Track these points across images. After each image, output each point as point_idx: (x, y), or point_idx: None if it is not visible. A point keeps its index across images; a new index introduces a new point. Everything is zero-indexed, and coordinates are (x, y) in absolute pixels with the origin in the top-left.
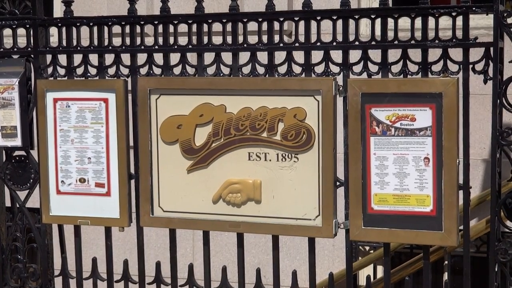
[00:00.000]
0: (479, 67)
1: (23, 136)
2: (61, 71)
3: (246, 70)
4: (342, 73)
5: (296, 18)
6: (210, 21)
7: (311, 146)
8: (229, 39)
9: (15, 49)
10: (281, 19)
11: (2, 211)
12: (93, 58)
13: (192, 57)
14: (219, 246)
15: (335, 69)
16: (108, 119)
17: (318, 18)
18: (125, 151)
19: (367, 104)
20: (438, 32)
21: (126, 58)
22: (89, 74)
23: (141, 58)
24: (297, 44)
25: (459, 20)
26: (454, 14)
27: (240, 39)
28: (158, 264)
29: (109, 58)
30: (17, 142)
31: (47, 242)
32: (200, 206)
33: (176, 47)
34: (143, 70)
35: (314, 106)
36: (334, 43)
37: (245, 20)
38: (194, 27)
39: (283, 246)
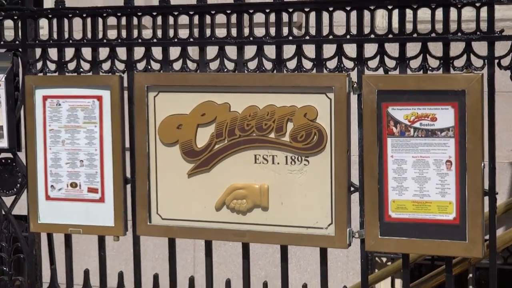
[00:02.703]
0: (506, 62)
1: (9, 137)
2: (52, 66)
3: (252, 65)
4: (356, 68)
5: (307, 9)
6: (213, 12)
7: (322, 148)
8: (233, 31)
9: (2, 43)
10: (291, 10)
11: None
12: (86, 52)
13: (193, 51)
14: (222, 257)
15: (348, 64)
16: (102, 119)
17: (331, 9)
18: (121, 153)
19: (384, 102)
20: (460, 24)
21: (122, 52)
22: (81, 70)
23: (138, 52)
24: (307, 37)
25: (484, 11)
26: (478, 4)
27: (246, 31)
28: (156, 277)
29: (103, 52)
30: (3, 143)
31: (35, 252)
32: (201, 214)
33: (176, 40)
34: (140, 65)
35: (326, 104)
36: (348, 36)
37: (251, 11)
38: (196, 19)
39: (292, 257)
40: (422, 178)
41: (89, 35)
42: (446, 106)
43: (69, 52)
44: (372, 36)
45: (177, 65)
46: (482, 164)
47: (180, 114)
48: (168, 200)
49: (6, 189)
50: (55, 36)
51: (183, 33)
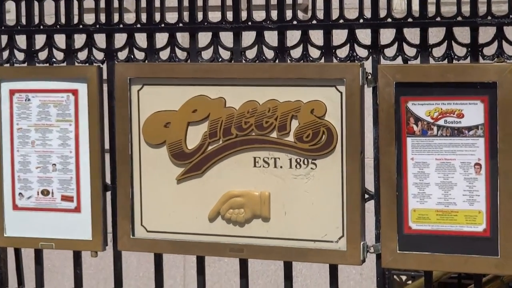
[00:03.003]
0: None
1: None
2: (20, 56)
3: (251, 54)
4: (371, 57)
5: None
6: None
7: (332, 149)
8: (229, 15)
9: None
10: None
11: None
12: (60, 40)
13: (183, 38)
14: (217, 275)
15: (362, 52)
16: (78, 116)
17: None
18: (99, 155)
19: (403, 96)
20: (491, 6)
21: (100, 39)
22: (54, 60)
23: (120, 39)
24: (314, 22)
25: None
26: None
27: (244, 15)
28: None
29: (79, 40)
30: None
31: (0, 270)
32: (193, 225)
33: (163, 25)
34: (122, 55)
35: (336, 99)
36: (361, 20)
37: None
38: (186, 1)
39: (297, 276)
40: (447, 184)
41: (62, 20)
42: (474, 101)
43: (40, 40)
44: (389, 20)
45: (164, 54)
46: None
47: (168, 110)
48: (154, 209)
49: None
50: (23, 21)
51: (171, 17)
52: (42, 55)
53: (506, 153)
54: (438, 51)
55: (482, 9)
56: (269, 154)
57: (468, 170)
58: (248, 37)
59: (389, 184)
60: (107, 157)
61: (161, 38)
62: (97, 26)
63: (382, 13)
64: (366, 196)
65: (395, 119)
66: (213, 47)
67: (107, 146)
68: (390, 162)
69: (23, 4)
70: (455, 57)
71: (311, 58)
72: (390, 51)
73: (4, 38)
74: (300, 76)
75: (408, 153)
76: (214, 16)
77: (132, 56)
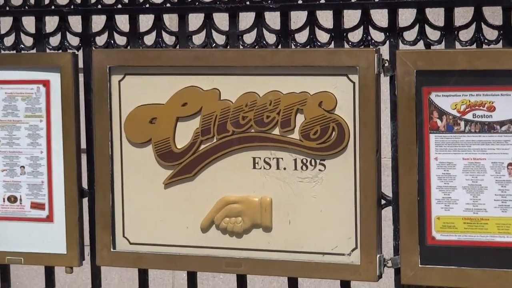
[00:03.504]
0: None
1: None
2: None
3: (250, 38)
4: (388, 42)
5: None
6: None
7: (343, 148)
8: None
9: None
10: None
11: None
12: (29, 23)
13: (171, 21)
14: None
15: (378, 36)
16: (50, 111)
17: None
18: (75, 156)
19: (425, 86)
20: None
21: (76, 22)
22: (22, 46)
23: (98, 22)
24: (322, 1)
25: None
26: None
27: None
28: None
29: (51, 23)
30: None
31: None
32: (183, 236)
33: (148, 5)
34: (101, 40)
35: (348, 89)
36: None
37: None
38: None
39: None
40: (476, 187)
41: (32, 0)
42: (508, 92)
43: (6, 23)
44: None
45: (149, 39)
46: None
47: (153, 104)
48: (138, 218)
49: None
50: None
51: None
52: (8, 41)
53: None
54: (466, 35)
55: None
56: (270, 154)
57: (501, 172)
58: (246, 19)
59: (409, 187)
60: (84, 158)
61: (146, 21)
62: (72, 7)
63: None
64: (383, 201)
65: (416, 112)
66: (206, 30)
67: (83, 145)
68: (410, 162)
69: None
70: (486, 41)
71: (318, 43)
72: (410, 35)
73: None
74: (306, 64)
75: (431, 152)
76: None
77: (112, 42)
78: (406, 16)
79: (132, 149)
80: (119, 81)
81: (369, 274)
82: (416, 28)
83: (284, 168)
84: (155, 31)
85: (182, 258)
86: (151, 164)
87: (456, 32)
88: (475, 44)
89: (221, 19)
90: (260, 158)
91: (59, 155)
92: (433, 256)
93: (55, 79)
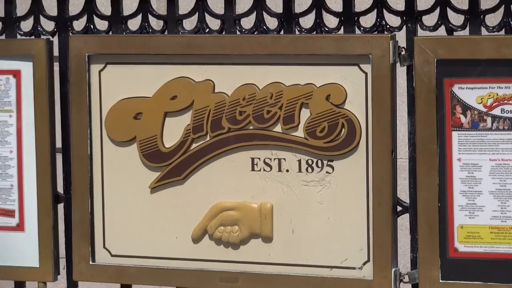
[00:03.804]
0: None
1: None
2: None
3: (248, 23)
4: (405, 27)
5: None
6: None
7: (354, 147)
8: None
9: None
10: None
11: None
12: None
13: (158, 3)
14: None
15: (393, 21)
16: (21, 105)
17: None
18: (49, 157)
19: (447, 77)
20: None
21: (50, 4)
22: None
23: (76, 4)
24: None
25: None
26: None
27: None
28: None
29: (23, 5)
30: None
31: None
32: (172, 247)
33: None
34: (79, 24)
35: (359, 81)
36: None
37: None
38: None
39: None
40: (504, 192)
41: None
42: None
43: None
44: None
45: (134, 24)
46: None
47: (138, 97)
48: (120, 227)
49: None
50: None
51: None
52: None
53: None
54: (493, 19)
55: None
56: (271, 154)
57: None
58: (244, 1)
59: (428, 192)
60: (59, 158)
61: (130, 3)
62: None
63: None
64: (399, 208)
65: (437, 107)
66: (198, 14)
67: (58, 144)
68: (430, 164)
69: None
70: None
71: (326, 29)
72: (430, 19)
73: None
74: (312, 52)
75: (454, 152)
76: None
77: (92, 27)
78: None
79: (114, 149)
80: (100, 71)
81: None
82: (437, 11)
83: (287, 170)
84: (140, 15)
85: (170, 272)
86: (136, 165)
87: (482, 16)
88: (503, 30)
89: (216, 1)
90: (259, 158)
91: (31, 155)
92: (455, 270)
93: (26, 69)
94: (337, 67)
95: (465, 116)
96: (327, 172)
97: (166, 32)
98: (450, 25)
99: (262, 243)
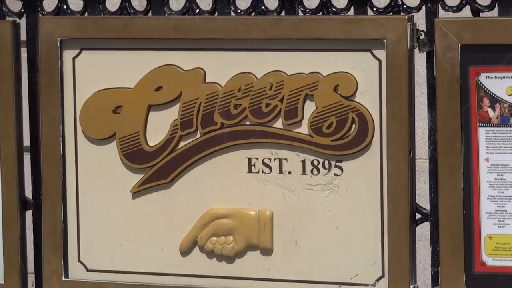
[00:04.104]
0: None
1: None
2: None
3: (244, 3)
4: (424, 7)
5: None
6: None
7: (366, 145)
8: None
9: None
10: None
11: None
12: None
13: None
14: None
15: (411, 0)
16: None
17: None
18: (15, 157)
19: (473, 65)
20: None
21: None
22: None
23: None
24: None
25: None
26: None
27: None
28: None
29: None
30: None
31: None
32: (157, 261)
33: None
34: (50, 4)
35: (372, 70)
36: None
37: None
38: None
39: None
40: None
41: None
42: None
43: None
44: None
45: (113, 4)
46: None
47: (118, 88)
48: (98, 238)
49: None
50: None
51: None
52: None
53: None
54: None
55: None
56: (271, 154)
57: None
58: None
59: (452, 198)
60: (27, 159)
61: None
62: None
63: None
64: (418, 216)
65: (461, 100)
66: None
67: (26, 142)
68: (453, 165)
69: None
70: None
71: (334, 9)
72: None
73: None
74: (318, 36)
75: (481, 151)
76: None
77: (65, 7)
78: None
79: (90, 147)
80: (74, 58)
81: None
82: None
83: (289, 172)
84: None
85: None
86: (115, 166)
87: None
88: None
89: None
90: (257, 159)
91: None
92: (482, 286)
93: None
94: (346, 54)
95: (494, 110)
96: (335, 174)
97: (150, 14)
98: (476, 5)
99: (260, 256)
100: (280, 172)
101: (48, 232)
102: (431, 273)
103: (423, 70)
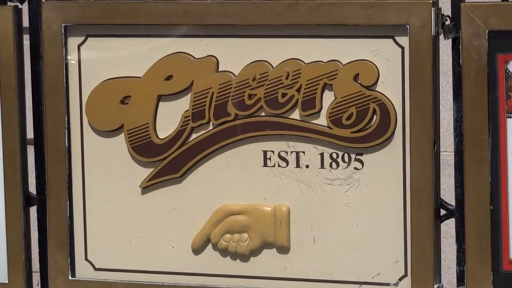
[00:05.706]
0: None
1: None
2: None
3: None
4: None
5: None
6: None
7: (388, 138)
8: None
9: None
10: None
11: None
12: None
13: None
14: None
15: None
16: None
17: None
18: (18, 150)
19: (501, 53)
20: None
21: None
22: None
23: None
24: None
25: None
26: None
27: None
28: None
29: None
30: None
31: None
32: (167, 259)
33: None
34: None
35: (394, 57)
36: None
37: None
38: None
39: None
40: None
41: None
42: None
43: None
44: None
45: None
46: None
47: (126, 77)
48: (105, 235)
49: None
50: None
51: None
52: None
53: None
54: None
55: None
56: (288, 146)
57: None
58: None
59: (478, 193)
60: (31, 152)
61: None
62: None
63: None
64: (443, 212)
65: (488, 89)
66: None
67: (30, 135)
68: (480, 158)
69: None
70: None
71: None
72: None
73: None
74: (337, 22)
75: (509, 144)
76: None
77: None
78: None
79: (97, 140)
80: (79, 46)
81: None
82: None
83: (307, 166)
84: None
85: None
86: (123, 160)
87: None
88: None
89: None
90: (273, 152)
91: None
92: (511, 286)
93: None
94: (367, 40)
95: None
96: (355, 168)
97: None
98: None
99: (276, 254)
100: (297, 166)
101: (54, 229)
102: (457, 272)
103: (448, 58)
